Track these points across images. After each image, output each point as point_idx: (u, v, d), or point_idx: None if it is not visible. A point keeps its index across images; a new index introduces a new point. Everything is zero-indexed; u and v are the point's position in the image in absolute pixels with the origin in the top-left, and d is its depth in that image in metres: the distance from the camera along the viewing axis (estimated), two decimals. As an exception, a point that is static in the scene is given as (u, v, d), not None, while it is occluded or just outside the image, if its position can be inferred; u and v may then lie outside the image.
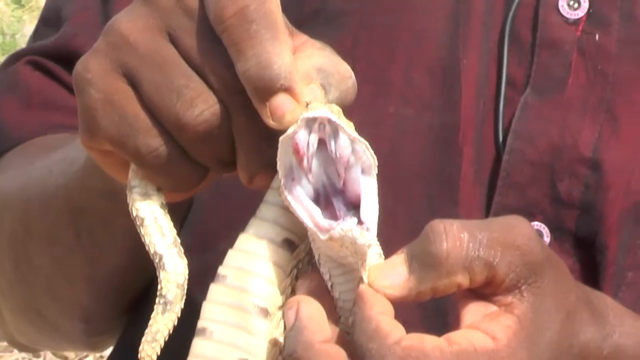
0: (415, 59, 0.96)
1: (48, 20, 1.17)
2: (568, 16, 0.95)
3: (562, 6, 0.95)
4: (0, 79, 1.16)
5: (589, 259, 0.92)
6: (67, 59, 1.08)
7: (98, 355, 4.85)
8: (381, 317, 0.70)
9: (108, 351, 1.37)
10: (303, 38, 0.75)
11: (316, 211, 0.72)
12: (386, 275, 0.72)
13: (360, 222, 0.70)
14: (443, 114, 0.96)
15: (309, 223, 0.72)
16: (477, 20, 0.97)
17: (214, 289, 0.77)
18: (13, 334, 1.20)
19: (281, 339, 0.77)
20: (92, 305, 1.07)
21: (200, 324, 0.77)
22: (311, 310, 0.71)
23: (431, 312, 0.85)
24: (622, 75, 0.96)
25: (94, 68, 0.76)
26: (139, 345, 0.79)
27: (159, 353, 0.78)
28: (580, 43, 0.95)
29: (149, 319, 0.77)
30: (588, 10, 0.95)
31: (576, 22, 0.95)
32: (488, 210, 0.90)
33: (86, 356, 4.86)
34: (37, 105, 1.12)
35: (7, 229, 1.09)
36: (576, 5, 0.95)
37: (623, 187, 0.94)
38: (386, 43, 0.93)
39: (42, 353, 4.81)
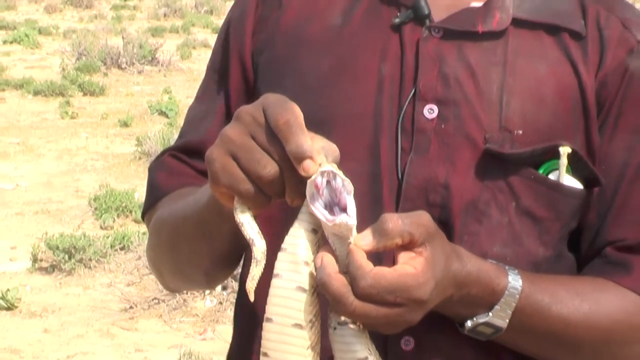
0: (350, 139, 1.25)
1: (180, 135, 1.48)
2: (428, 117, 1.25)
3: (425, 112, 1.25)
4: (157, 163, 1.48)
5: (447, 234, 1.16)
6: (187, 151, 1.43)
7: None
8: (362, 259, 1.02)
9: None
10: (312, 133, 1.05)
11: (326, 213, 1.03)
12: (362, 240, 1.04)
13: (348, 215, 1.02)
14: (372, 166, 1.26)
15: (322, 219, 1.03)
16: (385, 119, 1.27)
17: (280, 254, 1.08)
18: (168, 284, 1.56)
19: (314, 272, 1.06)
20: (209, 268, 1.39)
21: (275, 271, 1.07)
22: (327, 259, 1.03)
23: (374, 257, 1.05)
24: (455, 144, 1.25)
25: (216, 153, 1.08)
26: (244, 284, 1.17)
27: (255, 287, 1.08)
28: (435, 129, 1.25)
29: (247, 273, 1.10)
30: (438, 114, 1.24)
31: (432, 119, 1.25)
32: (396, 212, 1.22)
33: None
34: (174, 175, 1.44)
35: (165, 235, 1.41)
36: (432, 111, 1.25)
37: (459, 196, 1.24)
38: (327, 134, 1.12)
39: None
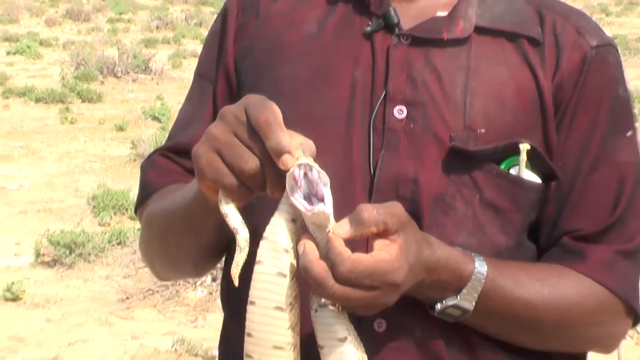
0: (326, 138, 1.24)
1: (169, 136, 1.48)
2: (398, 117, 1.25)
3: (395, 113, 1.25)
4: (148, 162, 1.47)
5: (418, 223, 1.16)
6: (176, 151, 1.43)
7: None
8: (341, 246, 1.03)
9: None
10: (290, 131, 1.05)
11: (305, 203, 1.03)
12: (340, 228, 1.05)
13: (324, 204, 1.03)
14: (346, 162, 1.27)
15: (302, 209, 1.04)
16: (358, 119, 1.27)
17: (261, 243, 1.08)
18: (159, 274, 1.57)
19: (294, 262, 1.07)
20: (197, 259, 1.39)
21: (257, 258, 1.08)
22: (309, 246, 1.04)
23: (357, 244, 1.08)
24: (423, 142, 1.25)
25: (202, 149, 1.08)
26: (228, 272, 1.16)
27: (239, 272, 1.08)
28: (404, 128, 1.25)
29: (232, 260, 1.10)
30: (407, 114, 1.25)
31: (402, 119, 1.25)
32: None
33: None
34: (164, 173, 1.43)
35: (156, 229, 1.41)
36: (402, 112, 1.25)
37: (427, 190, 1.24)
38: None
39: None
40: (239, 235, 1.10)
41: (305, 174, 1.05)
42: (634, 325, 1.34)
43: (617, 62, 1.33)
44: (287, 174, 1.05)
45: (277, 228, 1.09)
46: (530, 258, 1.31)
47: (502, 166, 1.25)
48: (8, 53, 17.76)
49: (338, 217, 1.07)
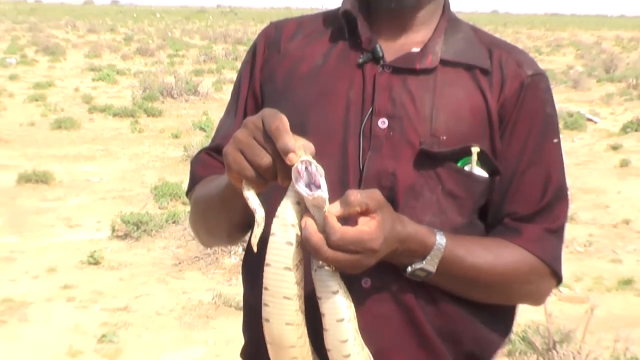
0: (327, 143, 1.25)
1: (212, 140, 1.46)
2: (381, 127, 1.26)
3: (379, 124, 1.26)
4: (195, 159, 1.47)
5: (394, 208, 1.16)
6: (216, 151, 1.42)
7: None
8: (334, 221, 1.05)
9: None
10: (295, 135, 1.05)
11: (307, 190, 1.04)
12: (333, 208, 1.06)
13: (321, 190, 1.04)
14: (342, 161, 1.26)
15: (304, 194, 1.04)
16: (352, 128, 1.27)
17: (274, 220, 1.09)
18: (204, 242, 1.56)
19: (299, 233, 1.08)
20: (229, 230, 1.39)
21: (271, 231, 1.08)
22: (310, 222, 1.05)
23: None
24: (400, 145, 1.25)
25: (229, 149, 1.09)
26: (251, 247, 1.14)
27: (257, 242, 1.09)
28: (386, 135, 1.26)
29: (252, 234, 1.11)
30: (388, 125, 1.25)
31: (384, 129, 1.26)
32: None
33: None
34: (207, 167, 1.43)
35: (200, 208, 1.40)
36: (384, 123, 1.26)
37: (402, 181, 1.24)
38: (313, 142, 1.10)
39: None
40: (257, 214, 1.11)
41: (306, 168, 1.05)
42: (557, 285, 1.34)
43: (547, 87, 1.33)
44: (292, 167, 1.05)
45: (286, 208, 1.09)
46: (479, 233, 1.31)
47: (459, 164, 1.26)
48: (93, 79, 17.82)
49: (333, 200, 1.08)
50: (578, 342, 3.57)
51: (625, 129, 12.28)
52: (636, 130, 12.21)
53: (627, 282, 5.58)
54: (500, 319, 1.35)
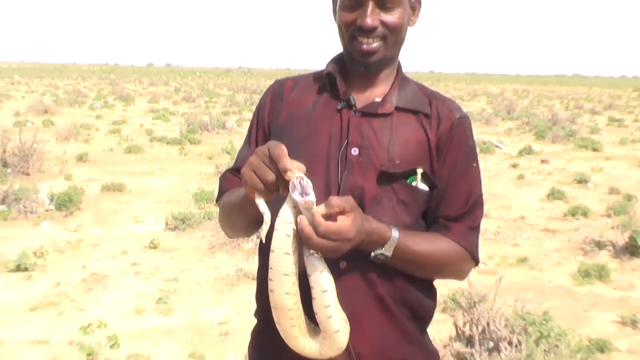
0: (315, 165, 1.19)
1: (234, 163, 1.41)
2: (354, 154, 1.23)
3: (352, 152, 1.23)
4: (222, 176, 1.43)
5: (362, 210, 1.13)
6: (236, 170, 1.36)
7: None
8: (320, 219, 1.02)
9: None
10: (291, 160, 1.03)
11: (300, 197, 1.02)
12: (319, 209, 1.04)
13: (310, 197, 1.02)
14: (326, 178, 1.22)
15: (299, 200, 1.03)
16: (333, 155, 1.24)
17: (277, 219, 1.06)
18: (228, 235, 1.45)
19: (295, 228, 1.05)
20: (246, 227, 1.33)
21: (275, 227, 1.06)
22: (304, 220, 1.03)
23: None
24: (366, 167, 1.22)
25: (245, 170, 1.07)
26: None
27: (264, 235, 1.07)
28: (357, 160, 1.23)
29: (260, 230, 1.09)
30: (358, 152, 1.23)
31: (356, 155, 1.23)
32: None
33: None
34: (230, 182, 1.40)
35: (226, 212, 1.36)
36: (356, 151, 1.23)
37: (368, 193, 1.22)
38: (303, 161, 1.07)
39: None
40: (265, 215, 1.08)
41: (300, 182, 1.03)
42: (476, 266, 1.33)
43: (469, 126, 1.31)
44: (290, 182, 1.03)
45: (285, 211, 1.07)
46: (422, 229, 1.29)
47: (408, 181, 1.24)
48: (153, 118, 17.85)
49: (319, 204, 1.06)
50: (490, 301, 3.56)
51: (520, 153, 12.37)
52: (528, 154, 12.31)
53: (523, 260, 5.60)
54: (432, 290, 1.33)
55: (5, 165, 8.38)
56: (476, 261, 1.30)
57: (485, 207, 1.39)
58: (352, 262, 1.20)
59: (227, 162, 9.37)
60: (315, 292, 1.09)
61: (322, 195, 1.13)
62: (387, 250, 1.16)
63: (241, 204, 1.22)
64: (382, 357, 1.24)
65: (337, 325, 1.10)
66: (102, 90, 31.72)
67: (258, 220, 1.26)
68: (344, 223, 1.06)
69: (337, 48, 1.32)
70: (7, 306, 4.28)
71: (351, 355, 1.20)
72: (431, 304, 1.33)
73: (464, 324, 3.40)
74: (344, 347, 1.14)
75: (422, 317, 1.32)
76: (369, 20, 1.18)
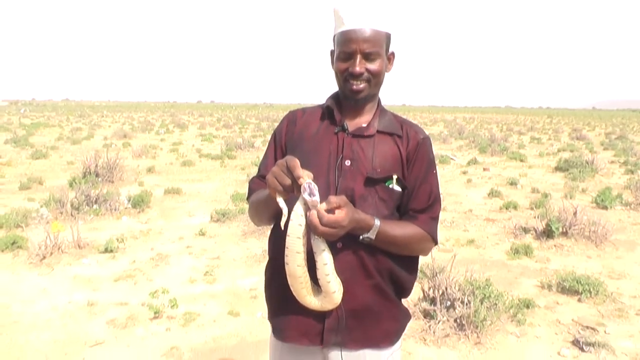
0: (318, 173, 1.14)
1: (258, 171, 1.35)
2: (347, 165, 1.20)
3: (346, 163, 1.20)
4: (251, 180, 1.35)
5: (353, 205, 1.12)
6: (261, 177, 1.32)
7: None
8: (323, 213, 1.00)
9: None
10: (302, 169, 1.01)
11: (309, 197, 1.00)
12: (323, 205, 1.01)
13: (316, 197, 1.00)
14: (326, 182, 1.18)
15: (308, 199, 1.00)
16: (332, 166, 1.20)
17: (292, 213, 1.03)
18: (256, 224, 1.35)
19: (305, 219, 1.02)
20: (269, 219, 1.26)
21: (290, 218, 1.03)
22: (312, 213, 1.00)
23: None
24: (356, 175, 1.17)
25: (269, 176, 1.04)
26: (276, 229, 1.13)
27: (283, 224, 1.04)
28: (349, 169, 1.20)
29: (280, 221, 1.05)
30: (350, 163, 1.18)
31: (349, 166, 1.20)
32: None
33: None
34: (257, 184, 1.33)
35: (253, 208, 1.30)
36: (349, 162, 1.19)
37: (357, 193, 1.18)
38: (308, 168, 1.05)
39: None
40: (284, 210, 1.05)
41: (309, 185, 1.00)
42: (435, 245, 1.29)
43: (430, 144, 1.29)
44: (302, 186, 1.01)
45: (298, 206, 1.04)
46: (396, 219, 1.25)
47: (386, 184, 1.21)
48: (201, 140, 17.68)
49: (322, 201, 1.03)
50: (447, 272, 3.54)
51: (469, 163, 12.28)
52: (474, 164, 12.22)
53: (471, 241, 5.54)
54: (411, 265, 1.30)
55: (97, 175, 8.49)
56: (436, 242, 1.28)
57: (443, 203, 1.37)
58: (346, 243, 1.19)
59: (254, 171, 9.27)
60: (318, 264, 1.09)
61: (324, 195, 1.12)
62: (371, 234, 1.15)
63: (265, 201, 1.20)
64: (366, 311, 1.22)
65: (334, 288, 1.11)
66: (165, 121, 31.63)
67: (277, 213, 1.25)
68: (340, 215, 1.05)
69: (334, 87, 1.32)
70: (99, 277, 4.28)
71: (341, 309, 1.19)
72: (409, 277, 1.29)
73: (429, 288, 3.40)
74: (339, 303, 1.14)
75: (400, 285, 1.28)
76: (358, 68, 1.18)
